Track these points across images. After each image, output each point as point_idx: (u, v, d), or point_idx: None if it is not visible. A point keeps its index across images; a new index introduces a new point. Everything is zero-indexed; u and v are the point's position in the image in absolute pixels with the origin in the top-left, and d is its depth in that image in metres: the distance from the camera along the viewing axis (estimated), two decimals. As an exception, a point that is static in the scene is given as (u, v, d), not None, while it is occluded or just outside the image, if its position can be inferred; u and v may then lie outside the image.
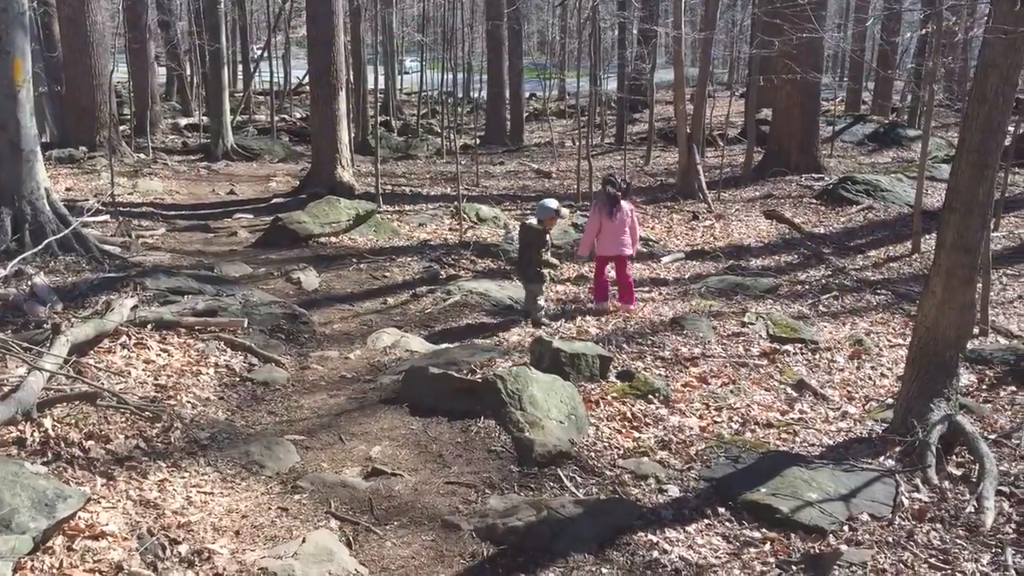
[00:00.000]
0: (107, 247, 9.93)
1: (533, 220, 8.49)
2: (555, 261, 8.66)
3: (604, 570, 4.23)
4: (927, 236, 11.00)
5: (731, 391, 6.76)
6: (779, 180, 16.31)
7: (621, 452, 5.60)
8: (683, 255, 11.66)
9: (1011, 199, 13.25)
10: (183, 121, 25.11)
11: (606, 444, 5.71)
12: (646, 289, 9.89)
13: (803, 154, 16.85)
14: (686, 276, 10.58)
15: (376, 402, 6.32)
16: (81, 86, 17.97)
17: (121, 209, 12.59)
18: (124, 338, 6.69)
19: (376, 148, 16.06)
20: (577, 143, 19.98)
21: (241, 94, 28.57)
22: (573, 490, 5.05)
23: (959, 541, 4.48)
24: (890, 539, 4.50)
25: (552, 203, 8.57)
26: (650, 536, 4.53)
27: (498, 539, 4.44)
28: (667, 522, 4.71)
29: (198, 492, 4.77)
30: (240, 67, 34.13)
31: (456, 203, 13.07)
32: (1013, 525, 4.61)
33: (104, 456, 4.94)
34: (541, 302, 8.45)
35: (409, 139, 24.35)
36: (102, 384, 5.79)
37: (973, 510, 4.71)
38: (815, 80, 15.71)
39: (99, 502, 4.42)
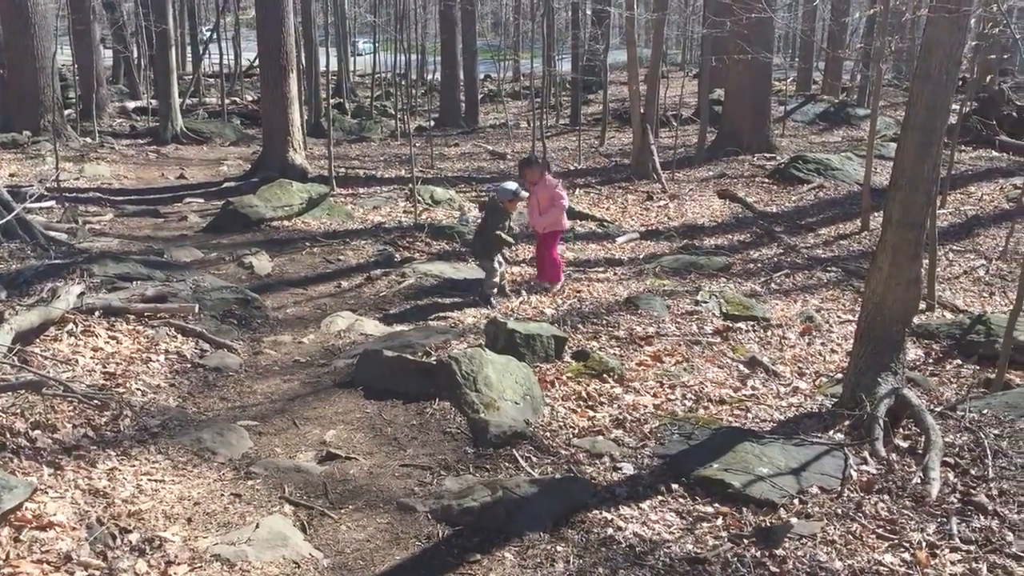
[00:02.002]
0: (53, 233, 9.73)
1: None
2: (509, 239, 8.64)
3: (559, 548, 4.26)
4: (876, 214, 11.16)
5: (685, 369, 6.82)
6: (732, 160, 16.45)
7: (576, 431, 5.63)
8: (638, 235, 11.72)
9: (957, 176, 13.50)
10: (131, 104, 24.60)
11: (561, 424, 5.73)
12: (601, 269, 9.93)
13: (755, 134, 17.01)
14: (641, 256, 10.64)
15: (330, 386, 6.29)
16: (24, 69, 17.52)
17: (67, 194, 12.33)
18: (71, 325, 6.57)
19: (329, 130, 15.88)
20: (532, 124, 19.96)
21: (190, 76, 28.08)
22: (528, 470, 5.06)
23: (906, 511, 4.57)
24: (839, 511, 4.58)
25: (511, 185, 8.60)
26: (605, 513, 4.57)
27: (453, 520, 4.45)
28: (621, 499, 4.74)
29: (149, 480, 4.71)
30: (189, 49, 33.55)
31: (410, 185, 12.99)
32: (958, 495, 4.71)
33: (51, 446, 4.85)
34: (496, 279, 8.47)
35: (363, 121, 24.13)
36: (48, 373, 5.68)
37: (919, 481, 4.80)
38: (766, 60, 15.83)
39: (46, 492, 4.34)
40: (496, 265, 8.49)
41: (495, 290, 8.43)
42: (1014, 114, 17.35)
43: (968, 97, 14.42)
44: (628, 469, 5.12)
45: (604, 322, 7.84)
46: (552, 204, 8.80)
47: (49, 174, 13.59)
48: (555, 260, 8.99)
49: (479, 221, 9.01)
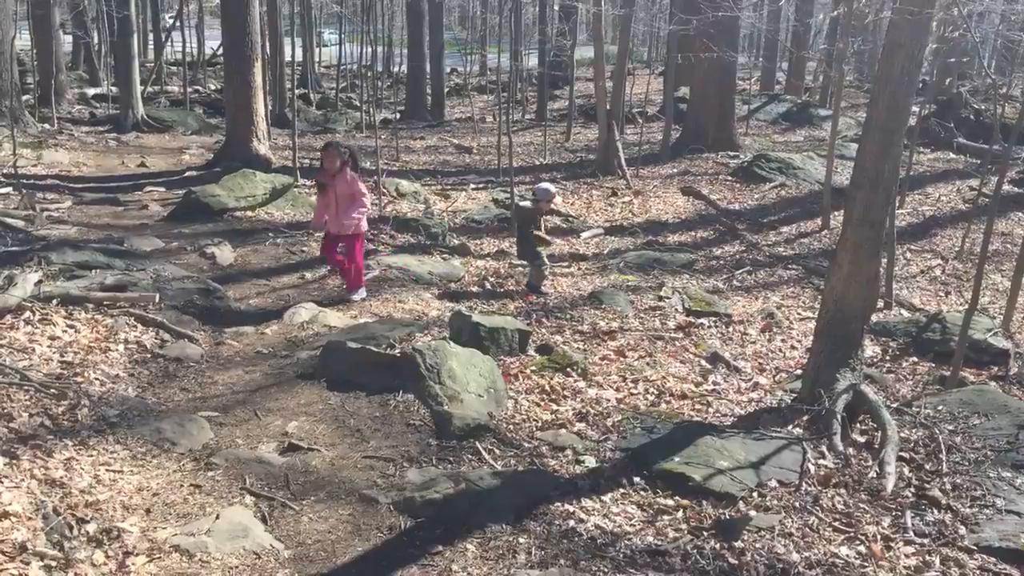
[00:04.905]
0: (9, 220, 9.56)
1: (527, 203, 8.76)
2: (548, 238, 8.84)
3: (521, 540, 4.27)
4: (836, 213, 11.31)
5: (647, 364, 6.87)
6: (696, 157, 16.57)
7: (539, 424, 5.65)
8: (602, 231, 11.77)
9: (915, 177, 13.72)
10: (91, 91, 24.16)
11: (524, 417, 5.75)
12: (565, 264, 9.96)
13: (719, 132, 17.14)
14: (605, 251, 10.69)
15: (293, 377, 6.24)
16: (-20, 53, 17.13)
17: (24, 181, 12.09)
18: (28, 314, 6.46)
19: (293, 121, 15.75)
20: (498, 119, 19.94)
21: (152, 64, 27.66)
22: (491, 462, 5.07)
23: (862, 505, 4.65)
24: (797, 504, 4.65)
25: (550, 187, 8.78)
26: (567, 506, 4.60)
27: (416, 512, 4.45)
28: (583, 492, 4.77)
29: (107, 470, 4.65)
30: (151, 36, 33.04)
31: (375, 178, 12.92)
32: (912, 489, 4.81)
33: (7, 435, 4.77)
34: (546, 272, 8.73)
35: (328, 113, 23.92)
36: (4, 361, 5.58)
37: (875, 475, 4.89)
38: (731, 59, 15.95)
39: (1, 482, 4.27)
40: (544, 261, 8.69)
41: (543, 283, 8.68)
42: (972, 117, 17.67)
43: (927, 100, 14.65)
44: (591, 462, 5.15)
45: (568, 316, 7.88)
46: (353, 202, 7.87)
47: (6, 160, 13.32)
48: (360, 267, 8.19)
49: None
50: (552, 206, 8.86)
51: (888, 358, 7.34)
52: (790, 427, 5.61)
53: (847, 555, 4.20)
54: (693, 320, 8.03)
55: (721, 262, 10.37)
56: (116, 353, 6.29)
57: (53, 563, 3.74)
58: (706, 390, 6.48)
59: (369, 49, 23.74)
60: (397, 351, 6.42)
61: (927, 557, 4.19)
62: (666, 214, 12.80)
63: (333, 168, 7.83)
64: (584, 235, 11.47)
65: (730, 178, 14.84)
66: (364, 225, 8.12)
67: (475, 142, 19.50)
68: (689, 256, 10.37)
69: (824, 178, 12.37)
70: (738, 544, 4.26)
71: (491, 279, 9.13)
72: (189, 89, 23.58)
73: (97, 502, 4.29)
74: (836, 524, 4.48)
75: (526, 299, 8.41)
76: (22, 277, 6.91)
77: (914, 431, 5.48)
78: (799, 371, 6.60)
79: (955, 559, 4.18)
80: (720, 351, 7.23)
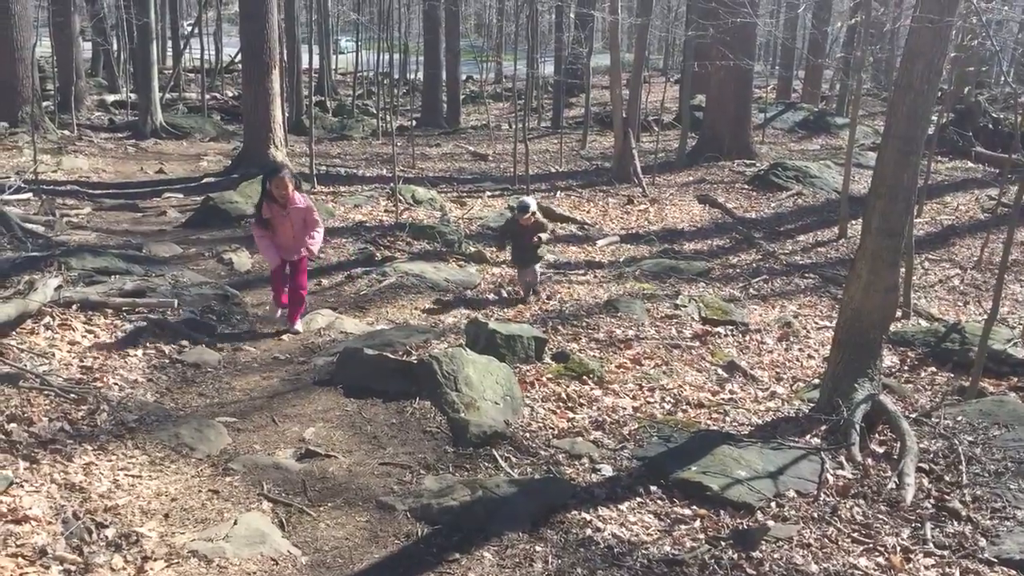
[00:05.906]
0: (30, 226, 9.64)
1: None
2: (500, 254, 8.92)
3: (538, 548, 4.27)
4: (853, 221, 11.28)
5: (664, 372, 6.85)
6: (712, 165, 16.54)
7: (556, 432, 5.65)
8: (618, 238, 11.76)
9: (933, 186, 13.65)
10: (110, 98, 24.36)
11: (541, 424, 5.75)
12: (581, 272, 9.96)
13: (736, 140, 17.11)
14: (621, 259, 10.68)
15: (310, 384, 6.26)
16: (2, 60, 17.29)
17: (44, 187, 12.20)
18: (48, 319, 6.51)
19: (310, 128, 15.83)
20: (514, 126, 19.97)
21: (170, 71, 27.86)
22: (508, 470, 5.07)
23: (881, 516, 4.62)
24: (815, 515, 4.62)
25: (524, 200, 8.91)
26: (584, 514, 4.59)
27: (433, 519, 4.45)
28: (600, 500, 4.76)
29: (125, 475, 4.67)
30: (169, 43, 33.31)
31: (392, 184, 12.96)
32: (932, 500, 4.78)
33: (27, 439, 4.80)
34: (527, 280, 8.78)
35: (344, 120, 24.01)
36: (24, 365, 5.63)
37: (894, 486, 4.86)
38: (748, 67, 15.93)
39: (22, 486, 4.30)
40: (524, 270, 8.78)
41: (524, 289, 8.79)
42: (990, 126, 17.58)
43: (945, 108, 14.58)
44: (607, 470, 5.14)
45: (584, 324, 7.87)
46: (307, 226, 7.17)
47: (26, 166, 13.44)
48: (304, 289, 7.50)
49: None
50: (532, 217, 8.69)
51: (907, 368, 7.30)
52: (808, 437, 5.58)
53: (866, 566, 4.17)
54: (709, 329, 8.00)
55: (737, 270, 10.34)
56: (135, 358, 6.33)
57: (72, 567, 3.76)
58: (723, 399, 6.46)
59: (385, 56, 23.87)
60: (414, 358, 6.44)
61: (947, 569, 4.16)
62: (682, 222, 12.79)
63: (285, 196, 7.01)
64: (600, 243, 11.47)
65: (746, 186, 14.81)
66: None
67: (491, 149, 19.53)
68: (705, 264, 10.34)
69: (841, 187, 12.33)
70: (756, 554, 4.24)
71: (507, 287, 9.13)
72: (207, 96, 23.75)
73: (116, 507, 4.31)
74: (855, 535, 4.45)
75: (541, 306, 8.42)
76: (43, 282, 6.95)
77: (933, 442, 5.44)
78: (817, 380, 6.57)
79: (975, 571, 4.14)
80: (737, 360, 7.21)
